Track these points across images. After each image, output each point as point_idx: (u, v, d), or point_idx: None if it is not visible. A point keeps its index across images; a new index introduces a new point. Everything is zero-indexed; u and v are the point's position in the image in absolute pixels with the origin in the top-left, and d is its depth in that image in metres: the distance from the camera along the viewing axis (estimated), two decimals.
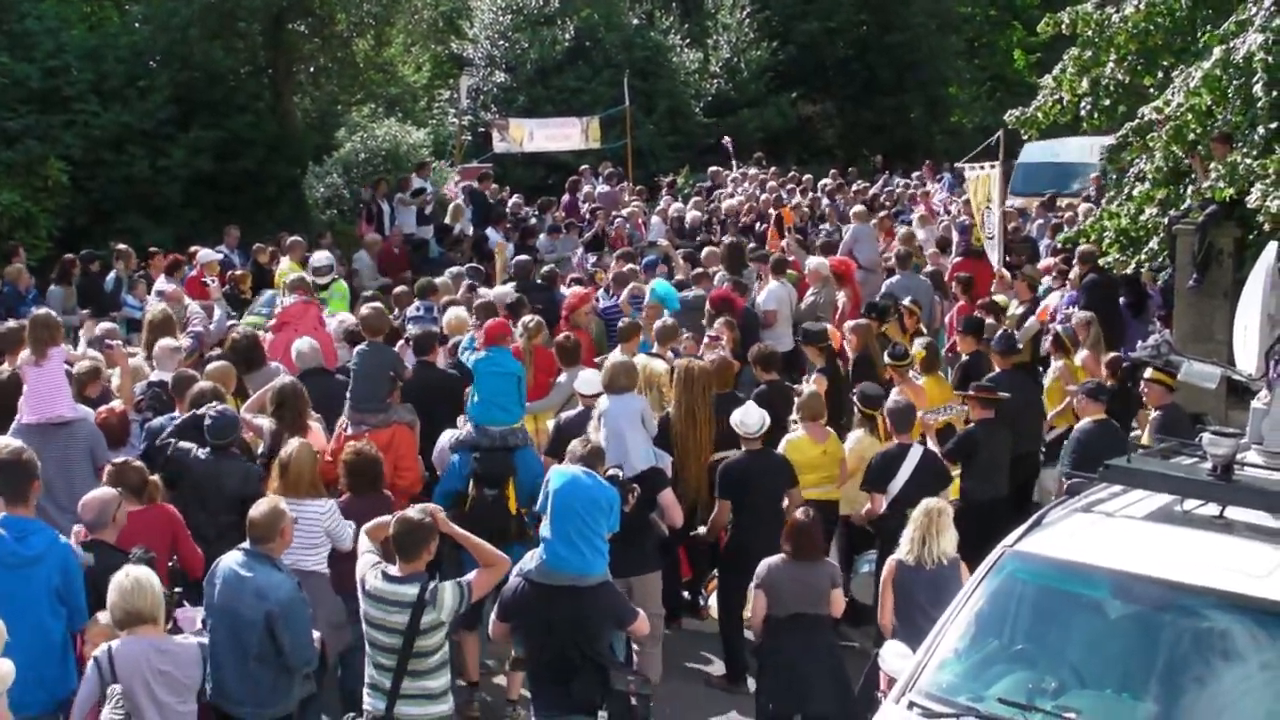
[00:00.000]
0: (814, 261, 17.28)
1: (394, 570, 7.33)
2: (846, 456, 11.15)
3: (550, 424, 11.34)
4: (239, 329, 12.94)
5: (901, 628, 8.36)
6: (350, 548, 8.53)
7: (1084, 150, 29.04)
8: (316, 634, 7.83)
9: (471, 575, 7.60)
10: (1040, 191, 26.34)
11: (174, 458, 9.45)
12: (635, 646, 9.66)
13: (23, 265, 17.40)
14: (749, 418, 10.35)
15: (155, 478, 8.91)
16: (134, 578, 6.87)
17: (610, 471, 8.90)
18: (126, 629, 6.78)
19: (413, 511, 7.54)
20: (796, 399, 11.60)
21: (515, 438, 10.24)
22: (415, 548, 7.35)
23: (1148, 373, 11.49)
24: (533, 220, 23.99)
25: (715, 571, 11.38)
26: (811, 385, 11.96)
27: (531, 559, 8.17)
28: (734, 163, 30.01)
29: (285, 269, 17.28)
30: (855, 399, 11.82)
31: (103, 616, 7.09)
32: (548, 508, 8.25)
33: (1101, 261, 15.74)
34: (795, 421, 11.29)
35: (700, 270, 16.77)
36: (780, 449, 10.81)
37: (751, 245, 19.56)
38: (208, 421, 9.40)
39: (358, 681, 9.03)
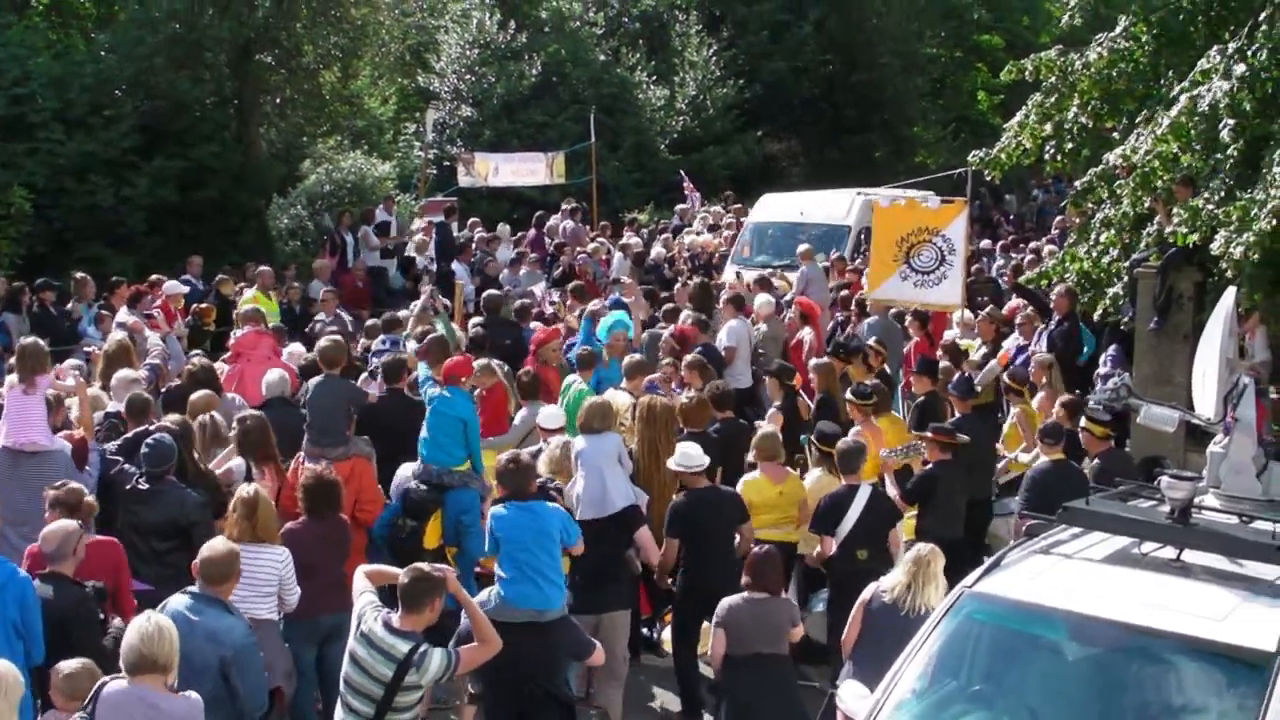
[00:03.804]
0: (761, 298, 17.29)
1: (395, 621, 7.18)
2: (807, 496, 11.11)
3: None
4: (194, 360, 12.80)
5: (862, 660, 8.34)
6: (295, 607, 8.58)
7: (839, 208, 23.02)
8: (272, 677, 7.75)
9: (463, 648, 7.50)
10: (771, 264, 21.29)
11: (115, 479, 9.33)
12: (593, 685, 9.65)
13: None
14: (690, 452, 10.32)
15: (90, 498, 8.68)
16: (156, 623, 6.55)
17: (541, 482, 8.99)
18: (134, 675, 6.45)
19: (426, 566, 7.44)
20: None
21: (451, 478, 10.63)
22: (420, 600, 7.20)
23: (1082, 421, 11.56)
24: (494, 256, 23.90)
25: (669, 607, 11.36)
26: (768, 425, 11.94)
27: (490, 597, 8.16)
28: (696, 196, 29.97)
29: (249, 299, 17.19)
30: (813, 438, 11.82)
31: (65, 666, 6.88)
32: (497, 548, 8.32)
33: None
34: (751, 462, 11.29)
35: (673, 307, 16.80)
36: (738, 488, 10.82)
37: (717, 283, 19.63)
38: (143, 450, 9.29)
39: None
